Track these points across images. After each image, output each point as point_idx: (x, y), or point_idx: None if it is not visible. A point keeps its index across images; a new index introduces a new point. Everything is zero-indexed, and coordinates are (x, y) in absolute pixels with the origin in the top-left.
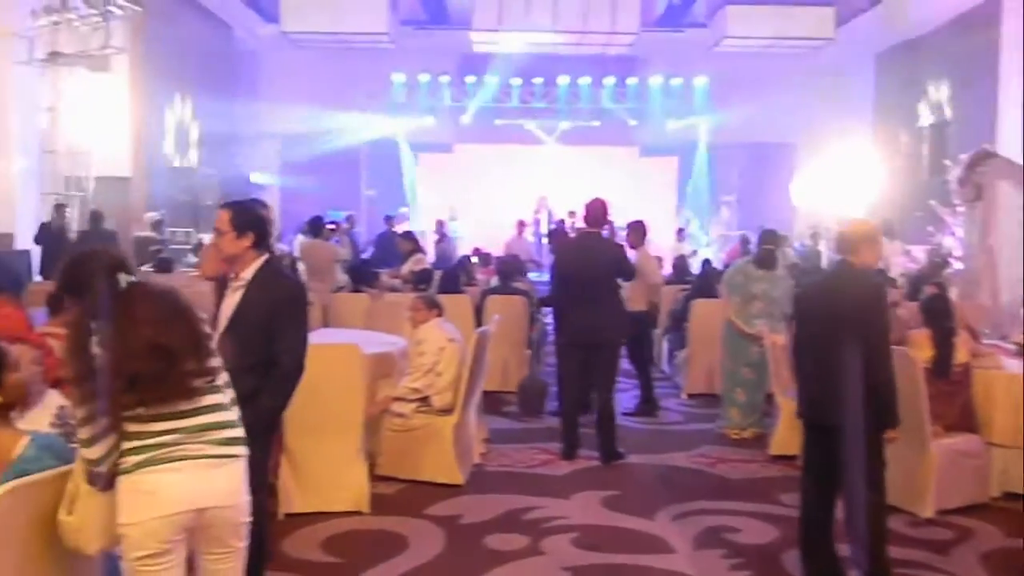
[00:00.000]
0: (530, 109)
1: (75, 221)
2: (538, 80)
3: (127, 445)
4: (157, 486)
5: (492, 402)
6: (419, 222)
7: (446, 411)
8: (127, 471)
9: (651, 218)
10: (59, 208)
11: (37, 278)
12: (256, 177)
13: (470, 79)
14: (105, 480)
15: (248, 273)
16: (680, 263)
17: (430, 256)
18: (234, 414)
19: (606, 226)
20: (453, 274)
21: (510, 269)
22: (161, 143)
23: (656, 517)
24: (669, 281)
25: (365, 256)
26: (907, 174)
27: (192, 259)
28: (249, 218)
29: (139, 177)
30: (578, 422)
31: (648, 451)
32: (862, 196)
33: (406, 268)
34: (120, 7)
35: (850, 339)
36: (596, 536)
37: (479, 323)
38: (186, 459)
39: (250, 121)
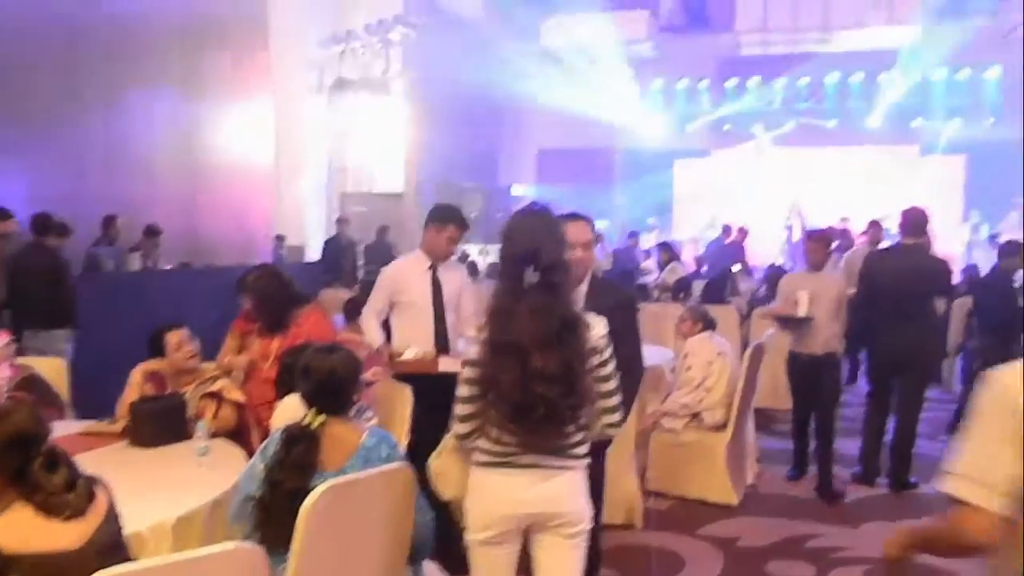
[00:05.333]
0: (795, 110)
1: (355, 234)
2: (804, 80)
3: (481, 443)
4: (494, 486)
5: (763, 420)
6: (677, 231)
7: (718, 428)
8: (476, 463)
9: (935, 223)
10: (341, 222)
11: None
12: (516, 189)
13: (731, 83)
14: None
15: (584, 286)
16: (972, 271)
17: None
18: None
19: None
20: (718, 283)
21: (779, 277)
22: (431, 159)
23: None
24: (960, 292)
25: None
26: None
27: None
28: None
29: (411, 192)
30: (881, 445)
31: None
32: None
33: (662, 278)
34: (398, 33)
35: None
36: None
37: (746, 335)
38: (523, 467)
39: (511, 134)
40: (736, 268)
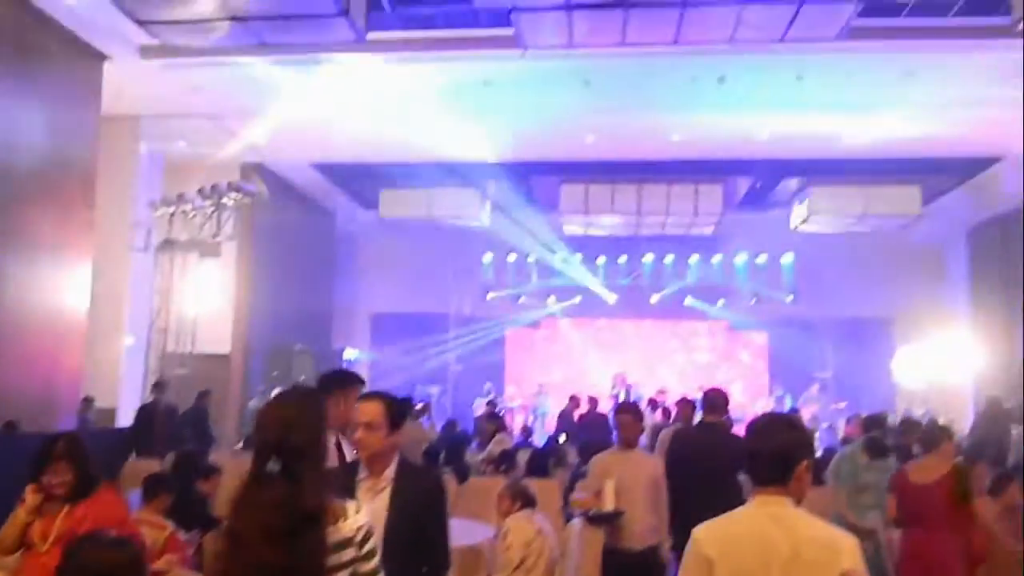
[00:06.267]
0: (616, 286)
1: (175, 398)
2: (623, 259)
3: None
4: None
5: None
6: (510, 398)
7: None
8: None
9: (741, 394)
10: (159, 387)
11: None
12: (349, 353)
13: (556, 258)
14: None
15: (391, 471)
16: None
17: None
18: None
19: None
20: (541, 456)
21: (596, 450)
22: (260, 320)
23: None
24: None
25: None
26: (1009, 354)
27: None
28: (402, 410)
29: (238, 353)
30: None
31: None
32: (966, 374)
33: (489, 450)
34: (232, 199)
35: None
36: None
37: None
38: None
39: (346, 299)
40: (563, 439)
